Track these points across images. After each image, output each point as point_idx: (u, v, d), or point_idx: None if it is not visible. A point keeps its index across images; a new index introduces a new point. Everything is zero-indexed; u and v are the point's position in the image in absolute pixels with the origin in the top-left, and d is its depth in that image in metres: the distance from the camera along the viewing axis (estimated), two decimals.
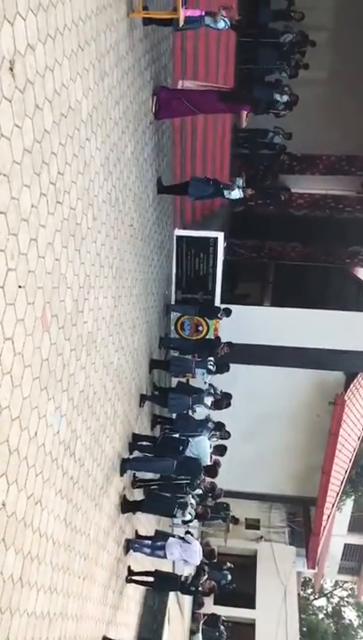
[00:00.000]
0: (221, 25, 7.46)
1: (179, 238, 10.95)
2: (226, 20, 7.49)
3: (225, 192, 8.91)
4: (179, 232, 10.96)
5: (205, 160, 11.26)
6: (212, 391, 9.77)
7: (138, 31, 7.39)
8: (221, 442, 9.12)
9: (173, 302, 11.33)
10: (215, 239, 11.00)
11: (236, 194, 8.93)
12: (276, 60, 11.57)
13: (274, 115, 11.83)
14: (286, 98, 11.64)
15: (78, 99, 5.22)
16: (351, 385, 12.74)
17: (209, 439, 8.81)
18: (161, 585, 8.81)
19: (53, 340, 4.89)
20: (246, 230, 14.05)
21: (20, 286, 4.15)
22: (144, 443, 8.47)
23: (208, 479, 8.14)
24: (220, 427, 9.04)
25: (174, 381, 10.85)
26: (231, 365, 10.32)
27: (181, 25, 7.15)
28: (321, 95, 13.83)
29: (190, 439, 8.85)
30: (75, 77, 5.10)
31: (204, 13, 7.57)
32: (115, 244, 6.87)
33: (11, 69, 3.85)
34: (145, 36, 7.76)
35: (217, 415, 9.91)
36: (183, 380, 10.56)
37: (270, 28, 11.90)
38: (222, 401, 9.59)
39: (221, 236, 11.03)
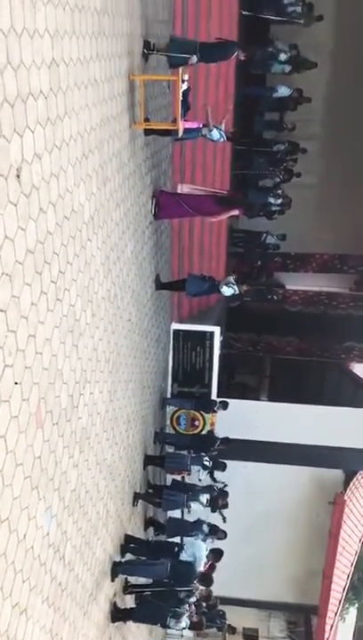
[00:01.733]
0: (216, 136, 7.97)
1: (175, 332, 11.06)
2: (222, 132, 8.01)
3: (221, 289, 9.13)
4: (175, 326, 11.10)
5: (201, 258, 11.63)
6: (210, 484, 9.55)
7: (139, 140, 7.87)
8: (217, 544, 8.76)
9: (168, 396, 11.26)
10: (211, 333, 11.11)
11: (230, 290, 9.14)
12: (269, 166, 12.24)
13: (267, 217, 12.39)
14: (279, 201, 12.21)
15: (81, 202, 5.47)
16: (351, 484, 12.40)
17: (204, 542, 8.46)
18: None
19: (47, 437, 4.82)
20: (242, 324, 14.25)
21: (16, 383, 4.15)
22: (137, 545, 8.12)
23: (203, 587, 7.74)
24: (215, 530, 8.71)
25: (169, 478, 10.56)
26: (228, 462, 10.10)
27: (179, 135, 7.62)
28: (313, 197, 14.51)
29: (185, 539, 8.50)
30: (78, 183, 5.36)
31: (201, 125, 8.10)
32: (112, 338, 6.94)
33: (17, 176, 4.06)
34: (146, 144, 8.25)
35: (213, 514, 9.59)
36: (178, 477, 10.28)
37: (263, 138, 12.71)
38: (218, 500, 9.30)
39: (217, 330, 11.16)
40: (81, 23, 5.20)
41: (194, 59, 7.04)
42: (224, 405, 10.43)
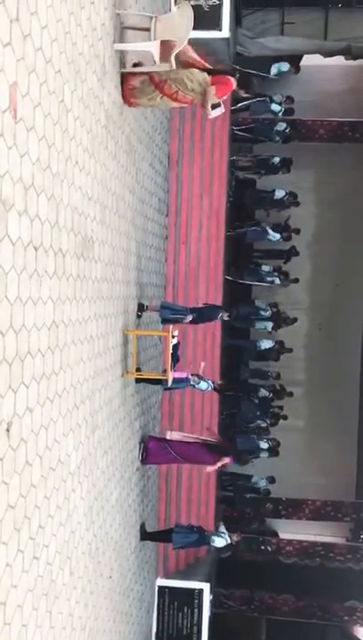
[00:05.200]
0: (203, 386, 8.35)
1: (161, 589, 10.16)
2: (209, 383, 8.41)
3: (210, 540, 8.65)
4: (161, 582, 10.24)
5: (189, 504, 11.22)
6: None
7: (130, 388, 8.17)
8: None
9: None
10: (200, 591, 10.20)
11: (221, 541, 8.65)
12: (256, 411, 12.58)
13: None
14: (267, 445, 12.28)
15: (68, 452, 5.44)
16: None
17: None
18: None
19: None
20: (234, 578, 13.15)
21: None
22: None
23: None
24: None
25: None
26: None
27: (169, 385, 7.95)
28: (302, 441, 14.62)
29: None
30: (67, 433, 5.41)
31: (189, 375, 8.52)
32: (90, 600, 6.32)
33: (7, 430, 4.10)
34: (136, 391, 8.54)
35: None
36: None
37: (249, 384, 13.28)
38: None
39: (206, 587, 10.27)
40: (82, 290, 5.78)
41: (188, 317, 7.73)
42: None
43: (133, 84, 6.36)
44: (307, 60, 13.69)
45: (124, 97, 6.51)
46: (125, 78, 6.43)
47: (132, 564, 8.50)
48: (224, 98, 6.48)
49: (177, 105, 6.60)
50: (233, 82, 6.50)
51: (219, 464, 8.34)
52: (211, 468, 8.50)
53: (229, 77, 6.49)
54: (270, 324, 12.30)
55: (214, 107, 6.40)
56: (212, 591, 10.81)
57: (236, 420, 12.54)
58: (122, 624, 8.08)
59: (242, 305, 12.34)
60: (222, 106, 6.64)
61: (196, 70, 6.27)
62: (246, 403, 12.36)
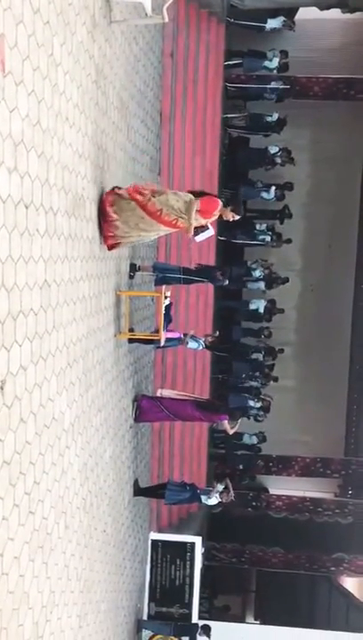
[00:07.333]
0: (194, 345, 8.42)
1: (154, 542, 10.45)
2: (200, 342, 8.47)
3: (202, 497, 8.86)
4: (154, 536, 10.52)
5: (182, 461, 11.44)
6: None
7: (123, 347, 8.21)
8: None
9: (145, 617, 10.22)
10: (192, 544, 10.50)
11: (213, 500, 8.86)
12: (248, 371, 12.72)
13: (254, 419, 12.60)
14: (259, 404, 12.46)
15: (62, 410, 5.51)
16: None
17: None
18: None
19: None
20: (226, 532, 13.54)
21: None
22: None
23: None
24: None
25: None
26: None
27: (161, 344, 8.01)
28: (291, 399, 14.85)
29: None
30: (61, 391, 5.46)
31: (182, 335, 8.57)
32: (85, 552, 6.50)
33: (1, 388, 4.14)
34: (129, 351, 8.60)
35: None
36: None
37: (241, 344, 13.38)
38: None
39: (198, 540, 10.57)
40: (73, 249, 5.75)
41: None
42: (206, 631, 9.44)
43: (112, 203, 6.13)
44: (302, 14, 13.33)
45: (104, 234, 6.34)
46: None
47: (125, 519, 8.71)
48: (211, 220, 6.16)
49: (159, 228, 6.25)
50: (219, 203, 6.24)
51: (214, 420, 8.42)
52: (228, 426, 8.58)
53: (215, 197, 6.31)
54: (262, 285, 12.33)
55: (201, 230, 6.22)
56: (204, 544, 11.13)
57: (228, 379, 12.69)
58: (116, 575, 8.33)
59: (235, 266, 12.32)
60: (211, 228, 6.41)
61: (182, 192, 6.15)
62: (238, 362, 12.48)
